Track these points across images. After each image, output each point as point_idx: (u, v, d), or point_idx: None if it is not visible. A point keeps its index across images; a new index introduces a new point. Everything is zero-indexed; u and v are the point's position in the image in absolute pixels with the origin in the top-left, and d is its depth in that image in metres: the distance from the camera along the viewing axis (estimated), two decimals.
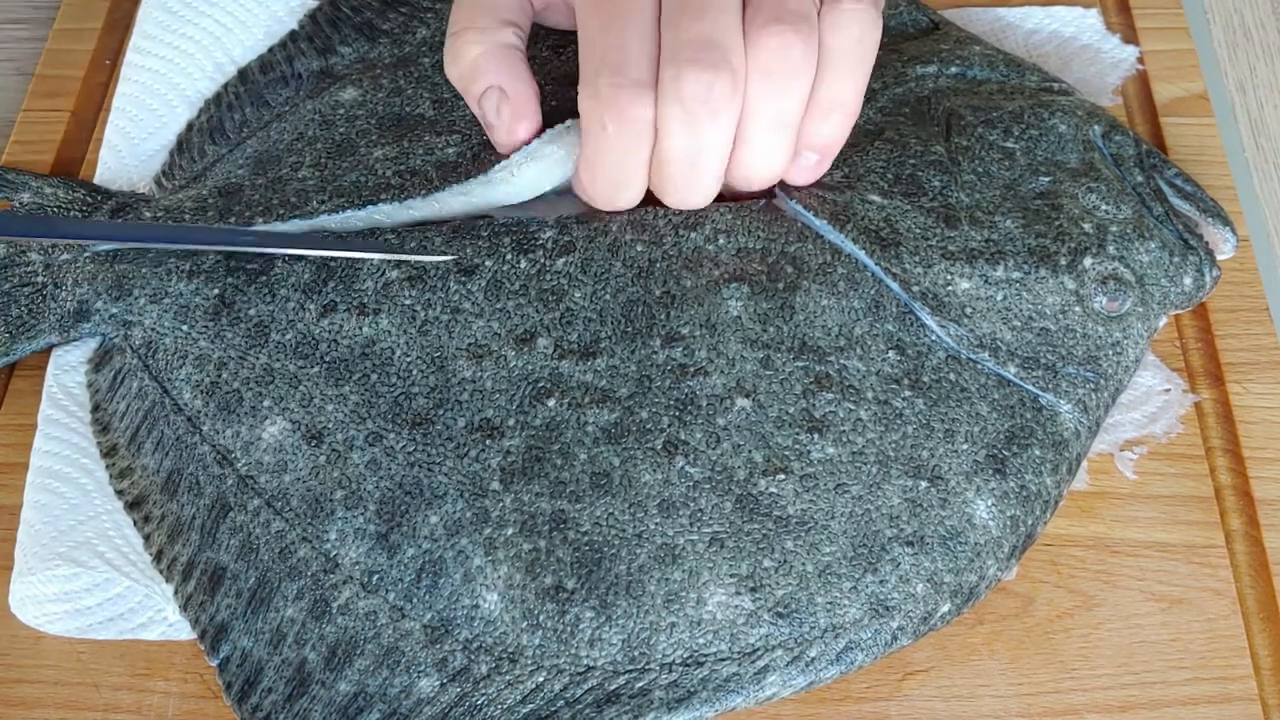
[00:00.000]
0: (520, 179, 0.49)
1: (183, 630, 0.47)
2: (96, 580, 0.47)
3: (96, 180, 0.57)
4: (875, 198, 0.50)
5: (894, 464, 0.46)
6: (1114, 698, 0.45)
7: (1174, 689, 0.46)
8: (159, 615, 0.47)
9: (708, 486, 0.45)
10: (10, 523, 0.49)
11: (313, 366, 0.48)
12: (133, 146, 0.58)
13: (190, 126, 0.58)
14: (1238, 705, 0.45)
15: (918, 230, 0.49)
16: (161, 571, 0.47)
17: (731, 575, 0.44)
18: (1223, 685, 0.46)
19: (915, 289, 0.48)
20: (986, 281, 0.49)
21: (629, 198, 0.48)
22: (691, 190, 0.47)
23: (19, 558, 0.47)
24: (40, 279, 0.52)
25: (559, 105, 0.50)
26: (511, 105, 0.47)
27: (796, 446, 0.46)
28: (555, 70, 0.54)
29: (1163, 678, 0.46)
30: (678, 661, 0.44)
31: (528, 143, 0.49)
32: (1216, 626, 0.47)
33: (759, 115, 0.45)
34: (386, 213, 0.51)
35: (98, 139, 0.59)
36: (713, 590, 0.44)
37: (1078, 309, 0.49)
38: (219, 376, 0.49)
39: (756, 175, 0.47)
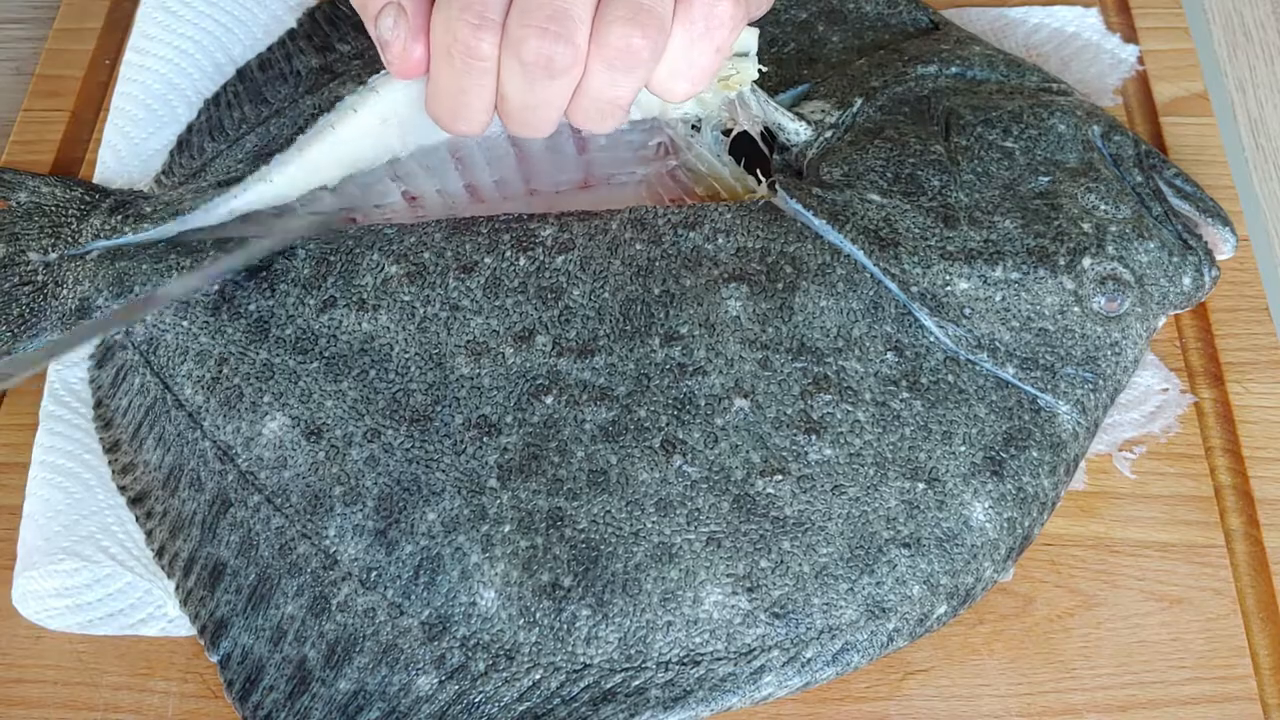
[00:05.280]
0: (379, 99, 0.49)
1: (182, 626, 0.47)
2: (97, 576, 0.47)
3: (96, 180, 0.57)
4: (874, 197, 0.50)
5: (891, 466, 0.46)
6: (1114, 698, 0.45)
7: (1174, 689, 0.46)
8: (159, 611, 0.47)
9: (705, 486, 0.45)
10: (10, 522, 0.49)
11: (312, 362, 0.48)
12: (132, 146, 0.58)
13: (190, 127, 0.58)
14: (1238, 705, 0.45)
15: (917, 230, 0.49)
16: (163, 567, 0.47)
17: (728, 575, 0.44)
18: (1223, 685, 0.46)
19: (914, 289, 0.48)
20: (985, 282, 0.48)
21: (470, 128, 0.47)
22: (528, 129, 0.47)
23: (22, 553, 0.47)
24: (40, 278, 0.52)
25: None
26: (409, 21, 0.46)
27: (794, 447, 0.46)
28: None
29: (1163, 678, 0.46)
30: (674, 660, 0.44)
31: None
32: (1216, 626, 0.47)
33: (593, 92, 0.45)
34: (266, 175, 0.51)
35: (97, 139, 0.60)
36: (709, 590, 0.44)
37: (1076, 309, 0.48)
38: (220, 372, 0.49)
39: (590, 127, 0.47)
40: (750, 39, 0.49)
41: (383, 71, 0.48)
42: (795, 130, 0.53)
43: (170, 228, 0.52)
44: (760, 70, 0.49)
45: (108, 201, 0.54)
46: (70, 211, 0.54)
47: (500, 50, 0.44)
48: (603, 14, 0.43)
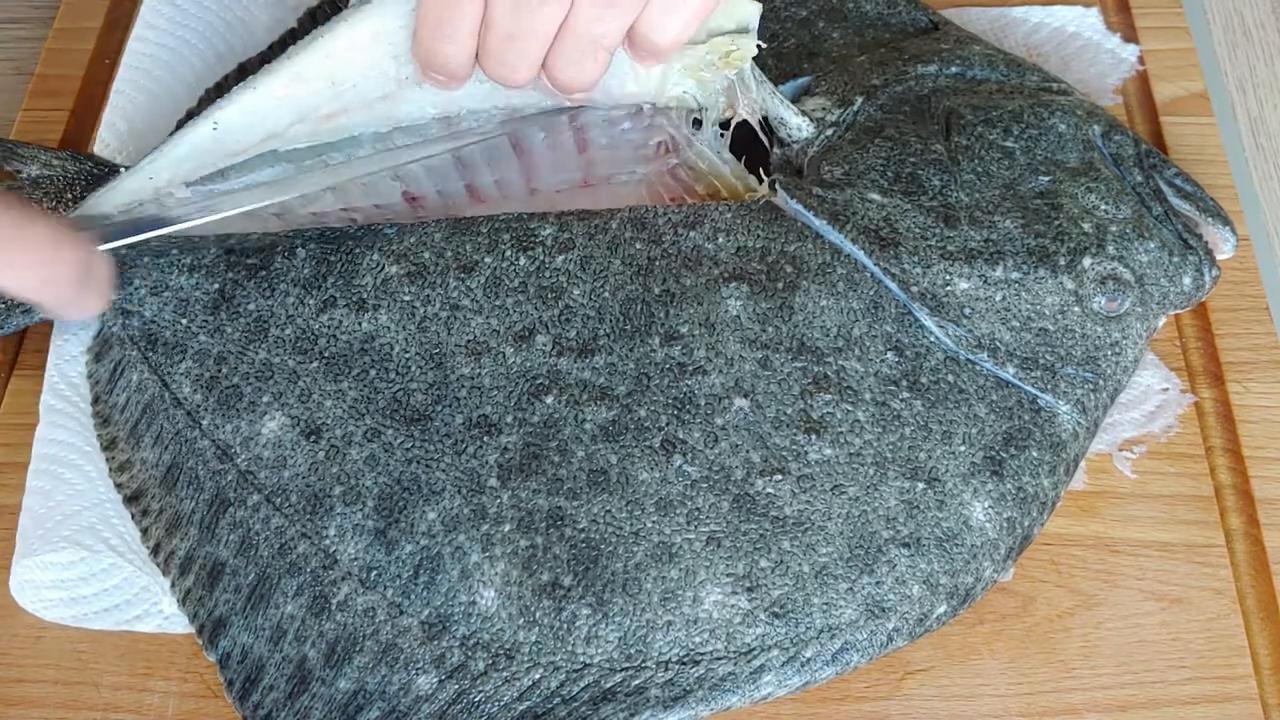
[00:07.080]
0: (372, 11, 0.48)
1: (178, 624, 0.47)
2: (94, 570, 0.47)
3: None
4: (875, 196, 0.50)
5: (891, 465, 0.46)
6: (1114, 697, 0.45)
7: (1174, 689, 0.46)
8: (155, 608, 0.47)
9: (705, 486, 0.45)
10: (10, 522, 0.49)
11: (311, 362, 0.48)
12: (132, 128, 0.58)
13: (189, 113, 0.58)
14: (1238, 705, 0.45)
15: (917, 230, 0.49)
16: (159, 565, 0.47)
17: (728, 575, 0.44)
18: (1223, 685, 0.46)
19: (914, 289, 0.48)
20: (985, 282, 0.48)
21: (451, 53, 0.47)
22: (506, 67, 0.47)
23: (20, 541, 0.47)
24: None
25: None
26: None
27: (794, 447, 0.46)
28: None
29: (1163, 677, 0.46)
30: (674, 660, 0.44)
31: None
32: (1216, 626, 0.47)
33: (579, 27, 0.45)
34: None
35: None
36: (709, 589, 0.44)
37: (1077, 309, 0.48)
38: (219, 371, 0.49)
39: (565, 82, 0.47)
40: (752, 14, 0.49)
41: None
42: (798, 125, 0.53)
43: (165, 148, 0.51)
44: (760, 46, 0.49)
45: (116, 177, 0.54)
46: (78, 183, 0.54)
47: None
48: None
